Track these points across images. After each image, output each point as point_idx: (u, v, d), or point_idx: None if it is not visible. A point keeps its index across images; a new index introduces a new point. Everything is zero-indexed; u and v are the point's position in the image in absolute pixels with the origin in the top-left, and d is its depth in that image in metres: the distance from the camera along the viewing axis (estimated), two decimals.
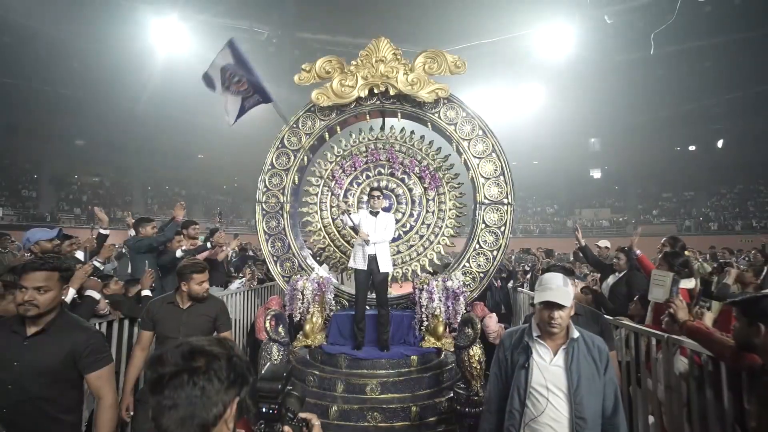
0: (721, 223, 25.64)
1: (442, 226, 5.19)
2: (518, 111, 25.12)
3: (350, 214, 4.55)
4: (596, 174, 33.15)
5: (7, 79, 23.06)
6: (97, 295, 3.22)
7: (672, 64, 23.92)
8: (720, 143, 29.02)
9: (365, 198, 5.28)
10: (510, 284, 6.76)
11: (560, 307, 1.96)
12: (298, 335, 4.75)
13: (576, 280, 2.95)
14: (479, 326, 3.86)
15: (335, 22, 23.63)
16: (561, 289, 1.99)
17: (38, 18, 20.45)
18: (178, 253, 4.70)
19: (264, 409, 1.17)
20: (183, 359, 0.94)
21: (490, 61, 22.07)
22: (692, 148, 30.31)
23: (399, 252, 5.21)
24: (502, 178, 4.95)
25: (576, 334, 2.02)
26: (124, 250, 6.88)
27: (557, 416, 1.94)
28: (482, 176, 4.97)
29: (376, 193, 4.51)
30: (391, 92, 4.96)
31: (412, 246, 5.23)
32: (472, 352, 3.73)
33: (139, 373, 2.97)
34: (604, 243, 6.43)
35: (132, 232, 5.02)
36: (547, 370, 1.98)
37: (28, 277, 1.92)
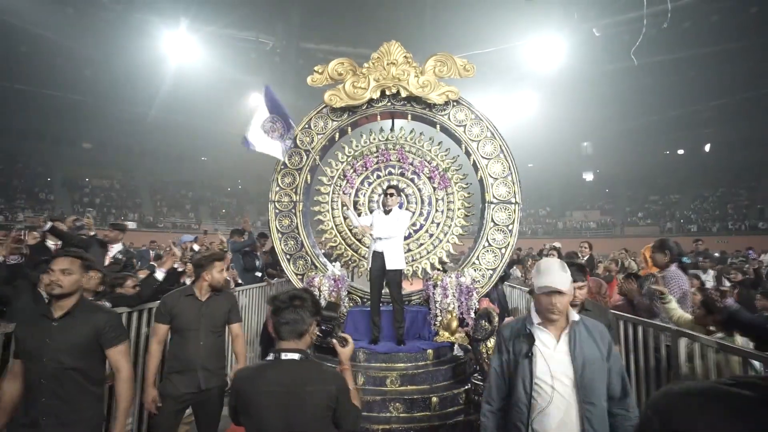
0: (700, 225, 25.65)
1: (451, 225, 5.08)
2: (513, 117, 25.15)
3: (349, 209, 4.50)
4: (588, 176, 33.06)
5: (21, 85, 22.91)
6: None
7: (658, 73, 24.06)
8: (707, 147, 29.06)
9: (376, 197, 5.17)
10: (505, 283, 6.67)
11: (560, 293, 1.83)
12: None
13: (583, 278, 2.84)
14: (496, 319, 3.78)
15: (337, 33, 23.57)
16: (560, 274, 1.86)
17: (55, 29, 20.31)
18: (257, 263, 6.29)
19: (323, 327, 1.95)
20: (289, 299, 1.75)
21: (485, 69, 22.02)
22: (681, 151, 30.33)
23: (409, 250, 5.08)
24: (509, 177, 4.85)
25: (576, 316, 1.90)
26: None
27: (564, 404, 1.79)
28: (491, 176, 4.87)
29: (391, 191, 4.39)
30: (403, 94, 4.86)
31: (422, 244, 5.11)
32: (489, 344, 3.68)
33: (158, 366, 2.85)
34: (557, 243, 6.86)
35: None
36: (552, 357, 1.84)
37: (56, 262, 2.18)
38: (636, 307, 3.84)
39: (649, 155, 30.03)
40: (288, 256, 5.24)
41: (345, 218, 5.28)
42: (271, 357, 1.73)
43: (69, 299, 2.19)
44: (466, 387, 3.87)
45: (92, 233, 5.38)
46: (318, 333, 1.87)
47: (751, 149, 26.45)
